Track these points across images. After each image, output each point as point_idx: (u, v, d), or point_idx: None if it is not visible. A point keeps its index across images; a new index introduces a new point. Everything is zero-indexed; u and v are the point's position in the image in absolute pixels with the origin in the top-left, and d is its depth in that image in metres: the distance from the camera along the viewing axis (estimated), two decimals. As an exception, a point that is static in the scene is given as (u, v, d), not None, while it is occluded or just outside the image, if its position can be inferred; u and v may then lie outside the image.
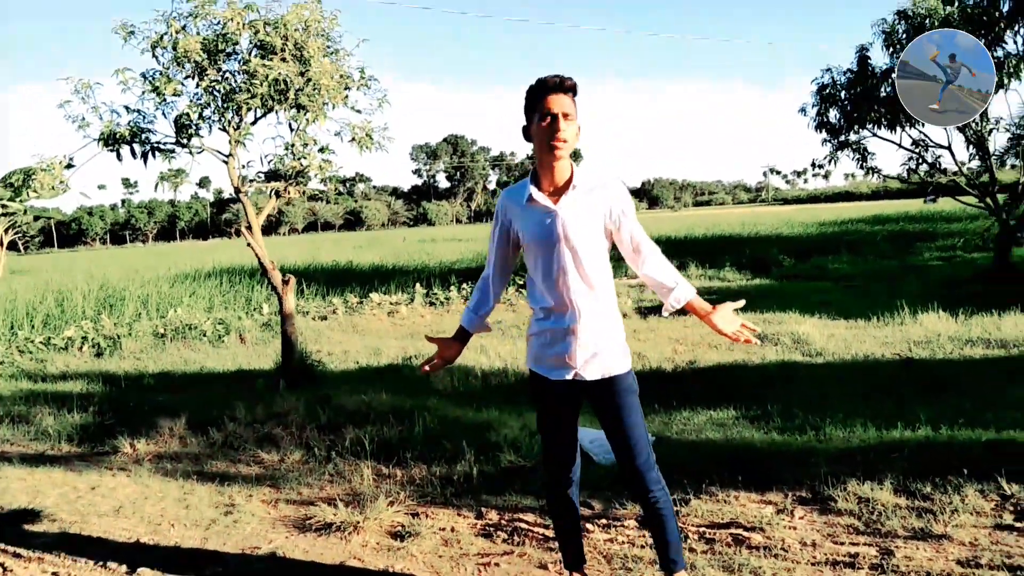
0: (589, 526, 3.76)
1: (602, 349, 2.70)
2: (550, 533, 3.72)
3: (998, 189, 14.46)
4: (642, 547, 3.51)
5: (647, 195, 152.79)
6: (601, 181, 2.72)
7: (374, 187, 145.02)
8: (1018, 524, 3.43)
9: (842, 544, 3.41)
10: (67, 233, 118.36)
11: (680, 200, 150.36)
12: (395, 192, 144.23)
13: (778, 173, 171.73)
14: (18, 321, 13.00)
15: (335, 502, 4.12)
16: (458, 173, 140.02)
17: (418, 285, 15.50)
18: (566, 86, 2.64)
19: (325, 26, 7.33)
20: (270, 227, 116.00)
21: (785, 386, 6.83)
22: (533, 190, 2.70)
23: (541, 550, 3.55)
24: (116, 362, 10.30)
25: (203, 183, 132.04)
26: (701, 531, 3.62)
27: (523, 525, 3.83)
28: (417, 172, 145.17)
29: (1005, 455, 4.13)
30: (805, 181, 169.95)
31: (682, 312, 2.84)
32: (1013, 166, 14.96)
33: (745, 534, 3.54)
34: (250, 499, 4.43)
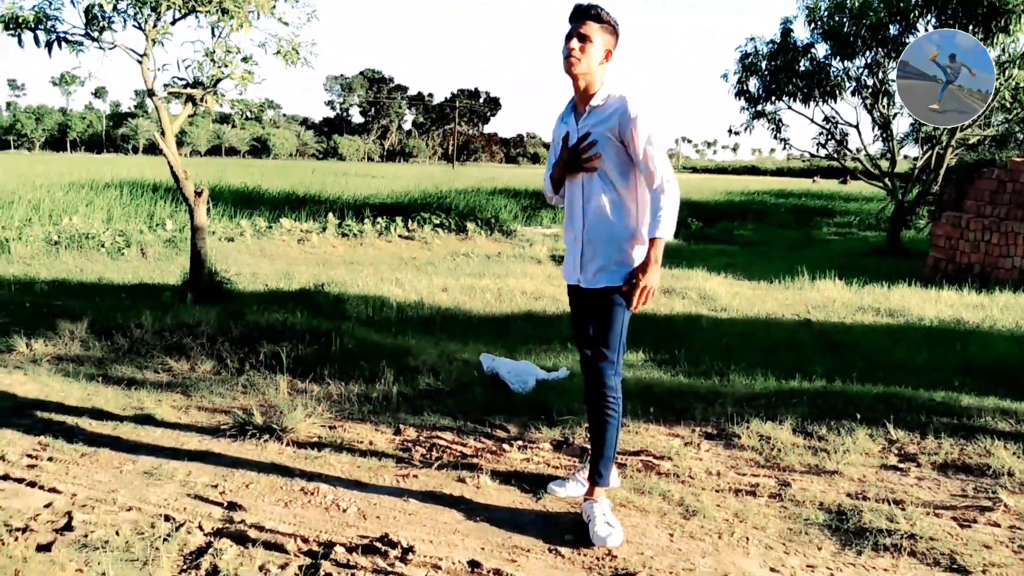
0: (506, 447, 3.85)
1: (603, 262, 2.95)
2: (468, 451, 3.79)
3: (895, 173, 15.26)
4: (556, 468, 3.62)
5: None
6: (620, 102, 2.89)
7: (283, 115, 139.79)
8: (901, 465, 3.72)
9: (744, 475, 3.61)
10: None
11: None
12: (305, 122, 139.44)
13: (689, 142, 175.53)
14: None
15: (250, 411, 4.06)
16: (373, 109, 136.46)
17: (331, 215, 15.18)
18: (589, 13, 2.86)
19: (260, -73, 6.96)
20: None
21: (692, 336, 7.09)
22: (568, 109, 3.04)
23: (459, 467, 3.61)
24: (3, 265, 9.72)
25: (99, 93, 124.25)
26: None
27: (441, 442, 3.88)
28: (330, 104, 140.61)
29: (893, 406, 4.45)
30: (715, 152, 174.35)
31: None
32: (906, 156, 15.78)
33: (655, 461, 3.70)
34: (160, 403, 4.32)
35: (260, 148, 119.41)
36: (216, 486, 3.31)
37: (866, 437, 3.98)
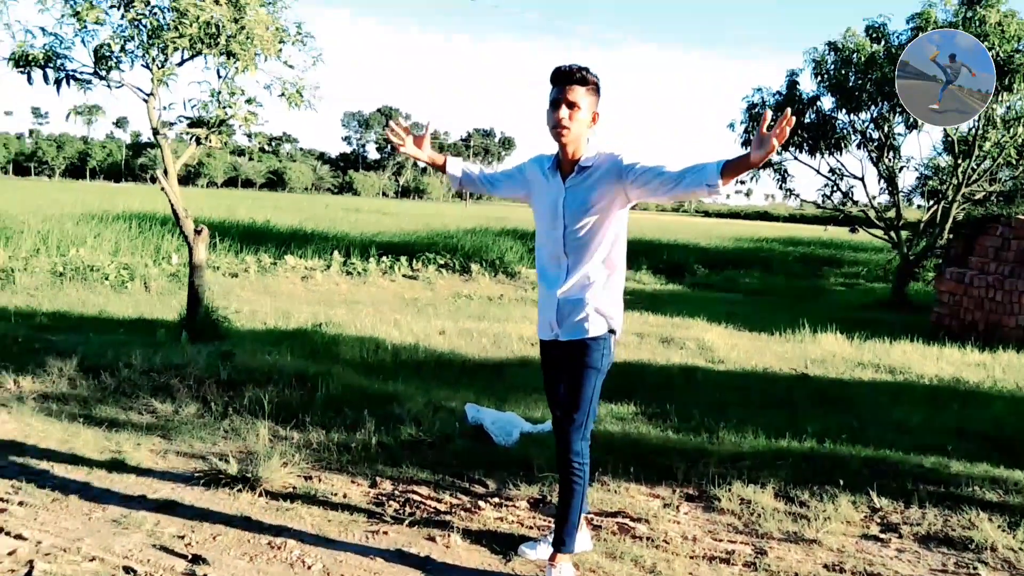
0: (481, 503, 3.80)
1: (581, 315, 2.93)
2: (442, 507, 3.74)
3: (902, 225, 15.22)
4: (530, 528, 3.56)
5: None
6: (604, 153, 2.89)
7: (300, 149, 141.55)
8: (883, 535, 3.64)
9: (720, 541, 3.55)
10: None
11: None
12: (322, 157, 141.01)
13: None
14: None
15: (227, 458, 4.03)
16: (389, 146, 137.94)
17: (336, 253, 15.24)
18: (575, 77, 2.80)
19: (266, -26, 7.11)
20: (188, 177, 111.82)
21: (686, 389, 7.02)
22: (550, 166, 2.99)
23: (431, 524, 3.56)
24: (8, 296, 9.79)
25: (120, 123, 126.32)
26: (590, 517, 3.70)
27: (416, 497, 3.84)
28: (347, 139, 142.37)
29: (879, 471, 4.38)
30: (727, 197, 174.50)
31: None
32: (919, 206, 15.76)
33: (631, 524, 3.64)
34: (138, 447, 4.30)
35: (276, 181, 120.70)
36: (183, 537, 3.28)
37: (849, 504, 3.91)
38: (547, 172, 3.00)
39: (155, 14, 7.00)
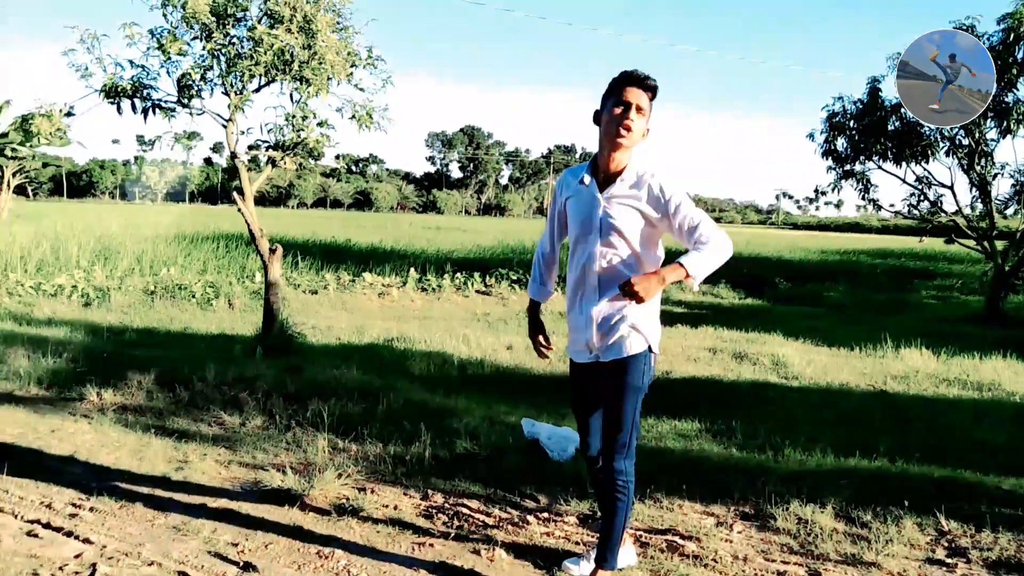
0: (530, 518, 3.80)
1: (620, 332, 2.85)
2: (490, 521, 3.76)
3: (998, 235, 14.47)
4: (576, 543, 3.54)
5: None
6: (648, 175, 2.81)
7: (387, 169, 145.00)
8: (949, 560, 3.46)
9: (773, 561, 3.44)
10: (77, 184, 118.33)
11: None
12: (407, 177, 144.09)
13: (790, 198, 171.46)
14: (12, 264, 13.05)
15: (284, 469, 4.16)
16: (472, 164, 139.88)
17: (412, 270, 15.53)
18: (648, 84, 2.76)
19: (336, 1, 7.35)
20: (280, 198, 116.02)
21: (755, 405, 6.85)
22: (586, 175, 2.89)
23: (478, 536, 3.58)
24: (103, 314, 10.35)
25: (216, 148, 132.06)
26: (638, 534, 3.66)
27: (465, 510, 3.87)
28: (431, 159, 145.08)
29: (951, 493, 4.17)
30: (817, 208, 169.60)
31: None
32: (1016, 211, 14.95)
33: (680, 542, 3.57)
34: (204, 458, 4.48)
35: (363, 201, 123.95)
36: (237, 544, 3.40)
37: (914, 526, 3.73)
38: (582, 180, 2.90)
39: (233, 44, 7.34)
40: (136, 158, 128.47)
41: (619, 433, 2.89)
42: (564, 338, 3.23)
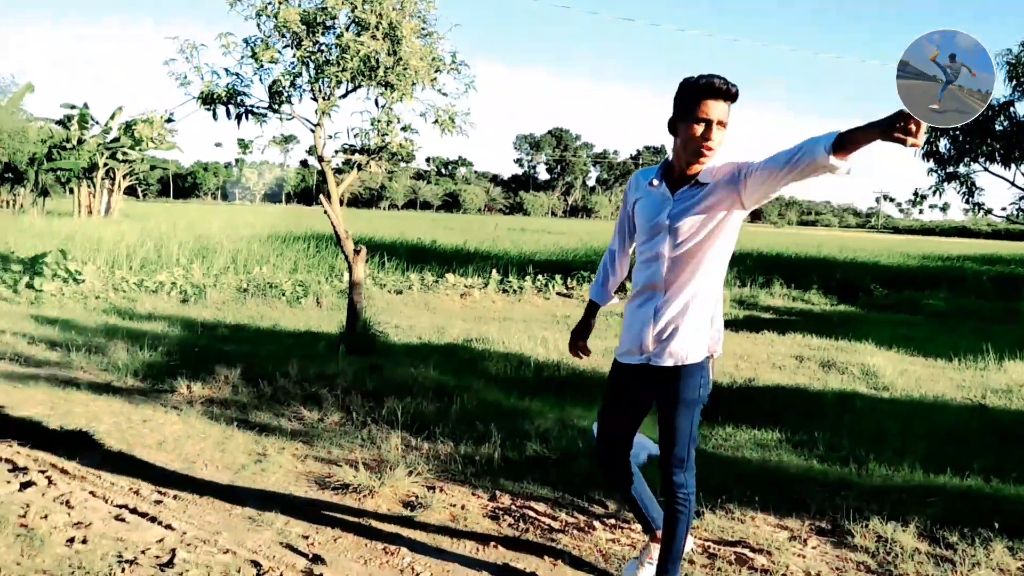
0: (596, 524, 3.77)
1: (679, 336, 2.73)
2: (556, 525, 3.75)
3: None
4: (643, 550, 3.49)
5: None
6: (718, 170, 2.66)
7: (475, 171, 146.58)
8: (1042, 587, 3.26)
9: (847, 579, 3.31)
10: (183, 185, 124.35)
11: (784, 217, 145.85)
12: (495, 179, 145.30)
13: (892, 200, 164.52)
14: (119, 262, 13.81)
15: (357, 464, 4.25)
16: (559, 166, 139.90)
17: (494, 271, 15.65)
18: (728, 93, 2.57)
19: (421, 7, 7.48)
20: (372, 200, 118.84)
21: (840, 416, 6.60)
22: (655, 179, 2.78)
23: (543, 539, 3.58)
24: (198, 310, 10.83)
25: (312, 151, 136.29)
26: (706, 545, 3.58)
27: (532, 513, 3.87)
28: (519, 161, 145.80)
29: (1049, 515, 3.92)
30: (920, 212, 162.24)
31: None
32: None
33: (750, 555, 3.48)
34: (282, 451, 4.63)
35: (452, 203, 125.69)
36: (307, 537, 3.50)
37: (1004, 550, 3.52)
38: (653, 181, 2.78)
39: (321, 51, 7.57)
40: (237, 161, 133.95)
41: (676, 447, 2.79)
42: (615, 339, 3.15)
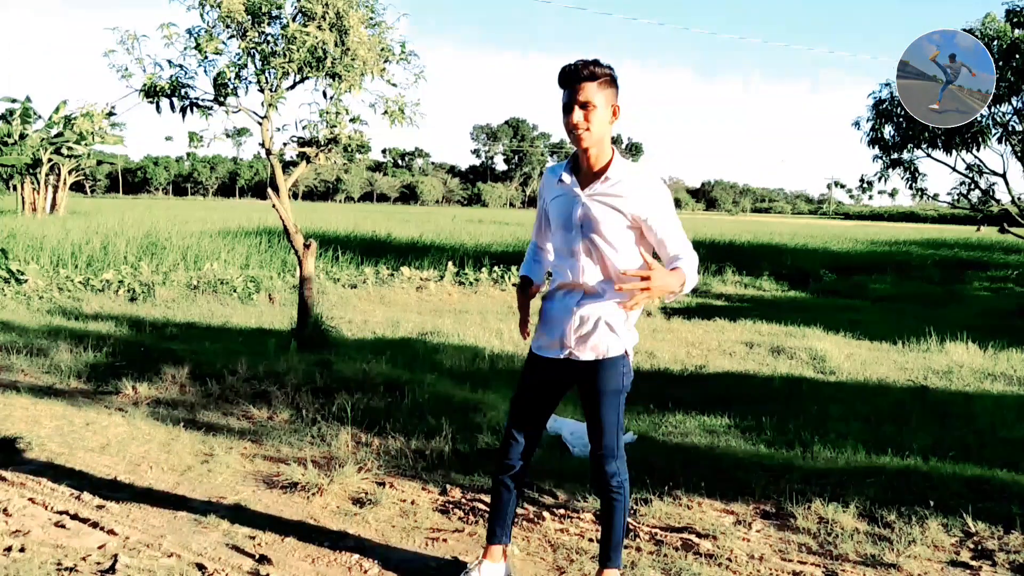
0: (545, 514, 3.80)
1: (598, 332, 2.75)
2: (506, 517, 3.76)
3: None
4: (590, 540, 3.53)
5: (705, 196, 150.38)
6: (637, 179, 2.71)
7: (432, 163, 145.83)
8: (973, 563, 3.37)
9: (789, 561, 3.39)
10: (132, 180, 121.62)
11: (739, 205, 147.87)
12: (452, 170, 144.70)
13: (842, 187, 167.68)
14: (63, 260, 13.46)
15: (307, 463, 4.22)
16: (516, 157, 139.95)
17: (450, 263, 15.61)
18: (583, 74, 2.62)
19: (368, -3, 7.40)
20: (327, 193, 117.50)
21: (788, 401, 6.74)
22: (565, 174, 2.80)
23: (492, 532, 3.59)
24: (147, 308, 10.62)
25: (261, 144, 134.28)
26: (653, 532, 3.64)
27: (482, 506, 3.88)
28: (476, 152, 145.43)
29: (982, 493, 4.05)
30: (870, 198, 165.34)
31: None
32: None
33: (696, 540, 3.54)
34: (230, 451, 4.57)
35: (409, 194, 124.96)
36: (254, 537, 3.46)
37: (939, 527, 3.64)
38: (562, 177, 2.80)
39: (267, 42, 7.44)
40: (188, 155, 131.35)
41: (604, 437, 2.81)
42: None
